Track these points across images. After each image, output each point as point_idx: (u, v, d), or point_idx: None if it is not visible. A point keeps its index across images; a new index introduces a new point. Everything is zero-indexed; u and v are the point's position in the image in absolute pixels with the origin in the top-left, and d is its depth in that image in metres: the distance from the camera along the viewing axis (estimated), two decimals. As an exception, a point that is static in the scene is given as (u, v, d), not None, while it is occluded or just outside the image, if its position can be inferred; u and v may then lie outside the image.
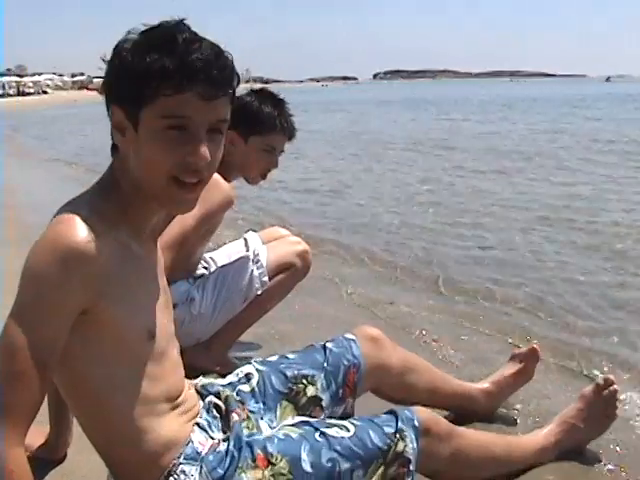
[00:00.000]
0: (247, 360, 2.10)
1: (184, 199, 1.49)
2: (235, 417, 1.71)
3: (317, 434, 1.72)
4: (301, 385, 1.98)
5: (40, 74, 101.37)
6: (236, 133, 2.79)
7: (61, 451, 2.14)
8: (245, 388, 1.89)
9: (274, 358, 2.05)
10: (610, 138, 16.24)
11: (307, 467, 1.65)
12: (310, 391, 1.98)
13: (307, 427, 1.76)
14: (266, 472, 1.61)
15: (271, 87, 3.22)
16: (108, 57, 1.46)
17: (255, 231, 3.28)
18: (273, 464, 1.62)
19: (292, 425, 1.78)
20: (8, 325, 1.33)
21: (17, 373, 1.31)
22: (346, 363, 2.06)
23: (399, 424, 1.78)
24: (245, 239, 3.16)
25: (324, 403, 1.99)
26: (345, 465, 1.68)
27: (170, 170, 1.43)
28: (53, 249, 1.35)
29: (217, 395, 1.79)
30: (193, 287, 2.90)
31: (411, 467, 1.74)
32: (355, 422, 1.80)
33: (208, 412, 1.72)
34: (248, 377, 1.93)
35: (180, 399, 1.64)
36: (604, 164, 11.62)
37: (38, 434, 2.10)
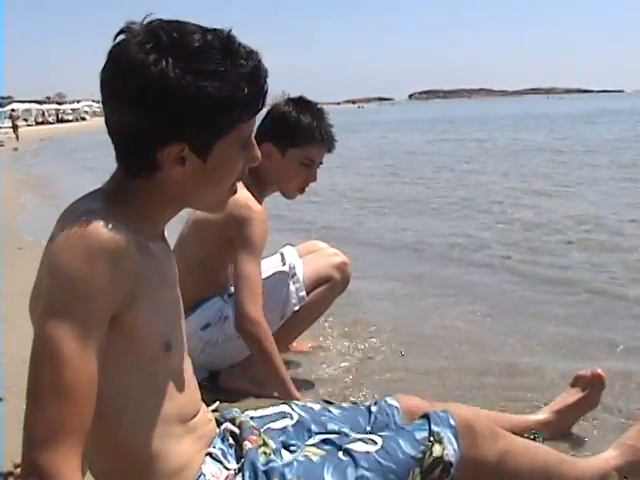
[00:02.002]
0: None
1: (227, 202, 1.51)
2: (248, 445, 1.55)
3: (340, 452, 1.58)
4: None
5: (79, 101, 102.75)
6: (273, 145, 2.67)
7: None
8: (276, 426, 1.73)
9: (317, 407, 1.88)
10: None
11: None
12: None
13: (329, 446, 1.62)
14: None
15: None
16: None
17: (292, 245, 3.15)
18: None
19: (313, 445, 1.64)
20: (49, 333, 1.18)
21: (68, 386, 1.16)
22: None
23: (432, 427, 1.65)
24: (281, 254, 3.04)
25: None
26: None
27: (234, 183, 1.43)
28: (84, 245, 1.22)
29: (232, 421, 1.64)
30: (227, 305, 2.78)
31: (452, 471, 1.60)
32: (383, 434, 1.67)
33: (223, 440, 1.56)
34: (282, 415, 1.78)
35: (195, 420, 1.49)
36: None
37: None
